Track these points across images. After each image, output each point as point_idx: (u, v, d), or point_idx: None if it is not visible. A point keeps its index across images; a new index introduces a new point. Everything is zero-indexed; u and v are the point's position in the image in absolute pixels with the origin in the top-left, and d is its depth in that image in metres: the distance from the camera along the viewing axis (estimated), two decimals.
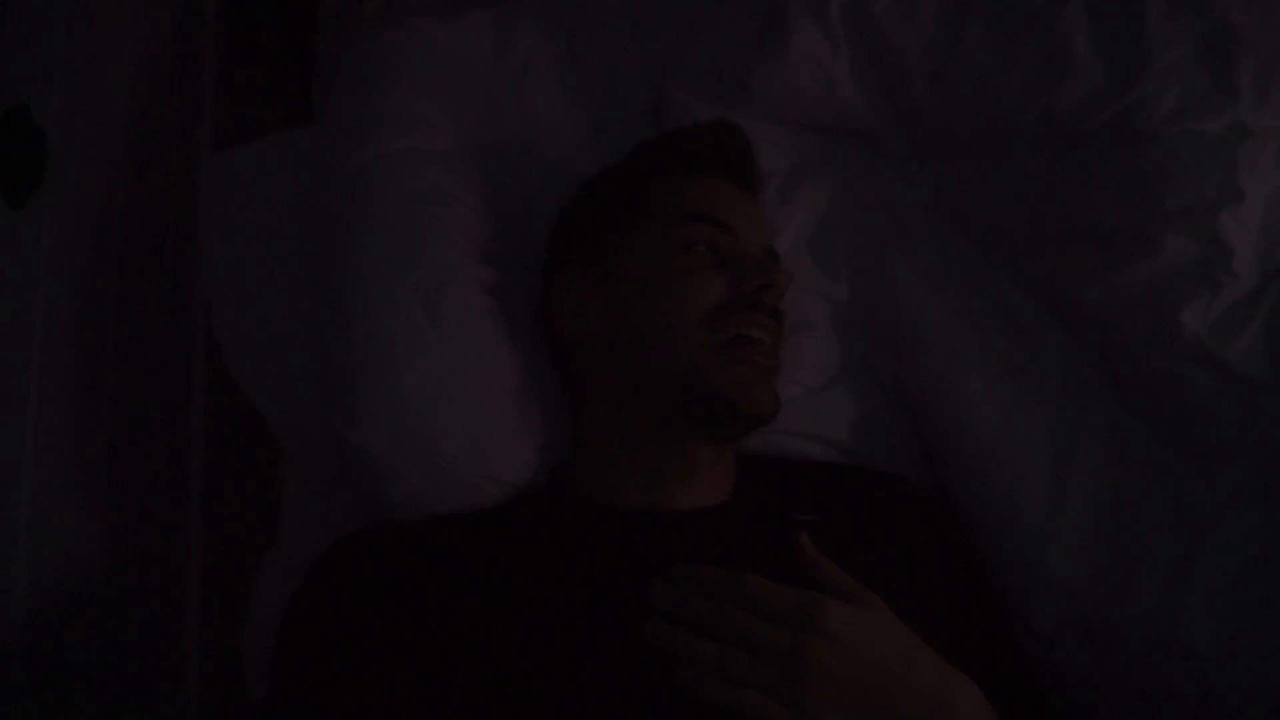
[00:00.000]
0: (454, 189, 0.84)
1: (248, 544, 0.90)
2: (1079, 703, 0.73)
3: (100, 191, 0.86)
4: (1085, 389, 0.81)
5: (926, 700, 0.58)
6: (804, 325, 0.85)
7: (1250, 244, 0.75)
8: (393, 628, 0.63)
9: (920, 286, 0.85)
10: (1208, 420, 0.75)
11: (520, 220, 0.88)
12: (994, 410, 0.79)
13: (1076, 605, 0.73)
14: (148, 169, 0.94)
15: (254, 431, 0.91)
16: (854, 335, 0.87)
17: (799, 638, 0.58)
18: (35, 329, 0.75)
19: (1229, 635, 0.70)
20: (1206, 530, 0.73)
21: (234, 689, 0.86)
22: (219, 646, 0.91)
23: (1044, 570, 0.74)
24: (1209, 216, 0.75)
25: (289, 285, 0.84)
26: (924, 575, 0.71)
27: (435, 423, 0.75)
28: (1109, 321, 0.79)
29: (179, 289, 0.95)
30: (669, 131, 0.85)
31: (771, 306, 0.73)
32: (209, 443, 0.95)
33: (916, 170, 0.91)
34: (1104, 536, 0.75)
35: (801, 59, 0.86)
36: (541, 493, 0.76)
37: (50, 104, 0.78)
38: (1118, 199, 0.78)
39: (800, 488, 0.76)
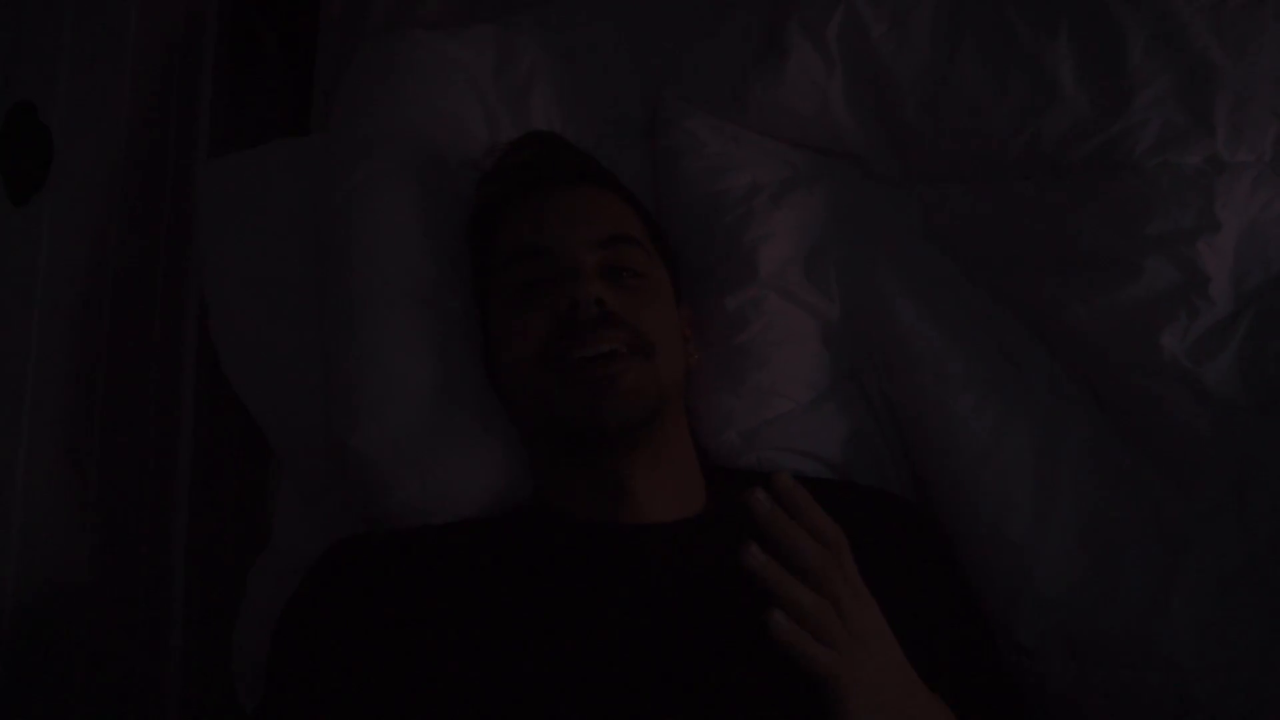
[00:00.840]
0: (456, 202, 0.85)
1: (234, 552, 0.90)
2: (1062, 713, 0.75)
3: (101, 192, 0.86)
4: (1069, 408, 0.83)
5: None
6: (795, 341, 0.87)
7: (1225, 271, 0.78)
8: (387, 634, 0.64)
9: (909, 305, 0.87)
10: (1186, 439, 0.77)
11: None
12: (980, 427, 0.81)
13: (1060, 617, 0.75)
14: (148, 172, 0.94)
15: (243, 438, 0.91)
16: (844, 352, 0.88)
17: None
18: (33, 325, 0.74)
19: (1208, 647, 0.71)
20: (1185, 545, 0.75)
21: (216, 698, 0.85)
22: (203, 654, 0.90)
23: (1028, 583, 0.76)
24: (1187, 244, 0.77)
25: (286, 292, 0.85)
26: (910, 588, 0.71)
27: (434, 431, 0.75)
28: (1091, 343, 0.81)
29: (173, 293, 0.95)
30: (493, 159, 0.84)
31: (587, 319, 0.69)
32: (198, 449, 0.95)
33: (906, 193, 0.94)
34: (1087, 551, 0.77)
35: (798, 77, 0.88)
36: (525, 504, 0.77)
37: (55, 102, 0.78)
38: (1100, 225, 0.80)
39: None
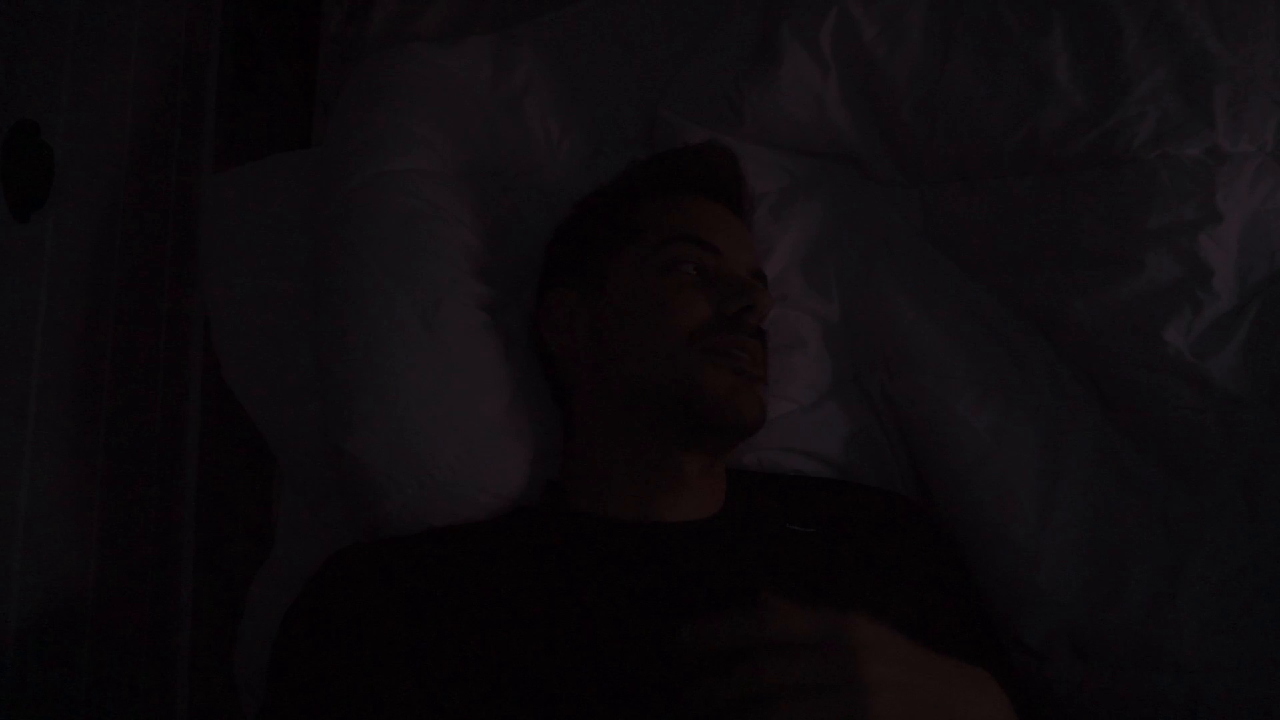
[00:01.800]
0: (451, 207, 0.85)
1: (238, 561, 0.90)
2: (1070, 714, 0.74)
3: (103, 207, 0.87)
4: (1072, 406, 0.82)
5: (968, 694, 0.52)
6: (796, 343, 0.87)
7: (1229, 263, 0.77)
8: (388, 643, 0.63)
9: (910, 306, 0.87)
10: (1190, 435, 0.76)
11: (516, 239, 0.89)
12: (982, 426, 0.80)
13: (1065, 618, 0.74)
14: (151, 188, 0.95)
15: (246, 449, 0.91)
16: (845, 354, 0.88)
17: (847, 659, 0.49)
18: (36, 339, 0.75)
19: (1216, 647, 0.70)
20: (1191, 544, 0.74)
21: (223, 704, 0.85)
22: (209, 662, 0.90)
23: (1033, 584, 0.75)
24: (1188, 237, 0.77)
25: (288, 301, 0.85)
26: (915, 586, 0.71)
27: (431, 434, 0.75)
28: (1094, 339, 0.80)
29: (178, 306, 0.96)
30: (660, 153, 0.87)
31: (754, 327, 0.74)
32: (202, 459, 0.95)
33: (904, 195, 0.93)
34: (1091, 551, 0.76)
35: (793, 83, 0.88)
36: (536, 506, 0.77)
37: (58, 121, 0.79)
38: (1100, 221, 0.80)
39: (792, 502, 0.77)
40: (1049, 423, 0.81)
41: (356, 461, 0.74)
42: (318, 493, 0.83)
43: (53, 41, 0.81)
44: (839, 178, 0.95)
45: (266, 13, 1.25)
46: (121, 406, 0.85)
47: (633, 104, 0.98)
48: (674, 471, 0.72)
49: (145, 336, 0.92)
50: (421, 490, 0.74)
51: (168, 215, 0.98)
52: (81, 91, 0.83)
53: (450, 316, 0.80)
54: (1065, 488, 0.78)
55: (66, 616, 0.78)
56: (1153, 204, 0.78)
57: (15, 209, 0.74)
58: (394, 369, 0.76)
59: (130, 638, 0.85)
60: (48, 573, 0.76)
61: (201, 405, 0.96)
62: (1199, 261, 0.76)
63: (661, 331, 0.72)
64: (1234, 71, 0.80)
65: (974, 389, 0.82)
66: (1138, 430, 0.79)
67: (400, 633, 0.63)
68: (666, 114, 0.93)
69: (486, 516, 0.76)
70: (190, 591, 0.92)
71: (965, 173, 0.90)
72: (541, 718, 0.59)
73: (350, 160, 0.86)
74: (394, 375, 0.76)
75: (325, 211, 0.83)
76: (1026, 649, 0.74)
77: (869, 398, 0.87)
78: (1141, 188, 0.79)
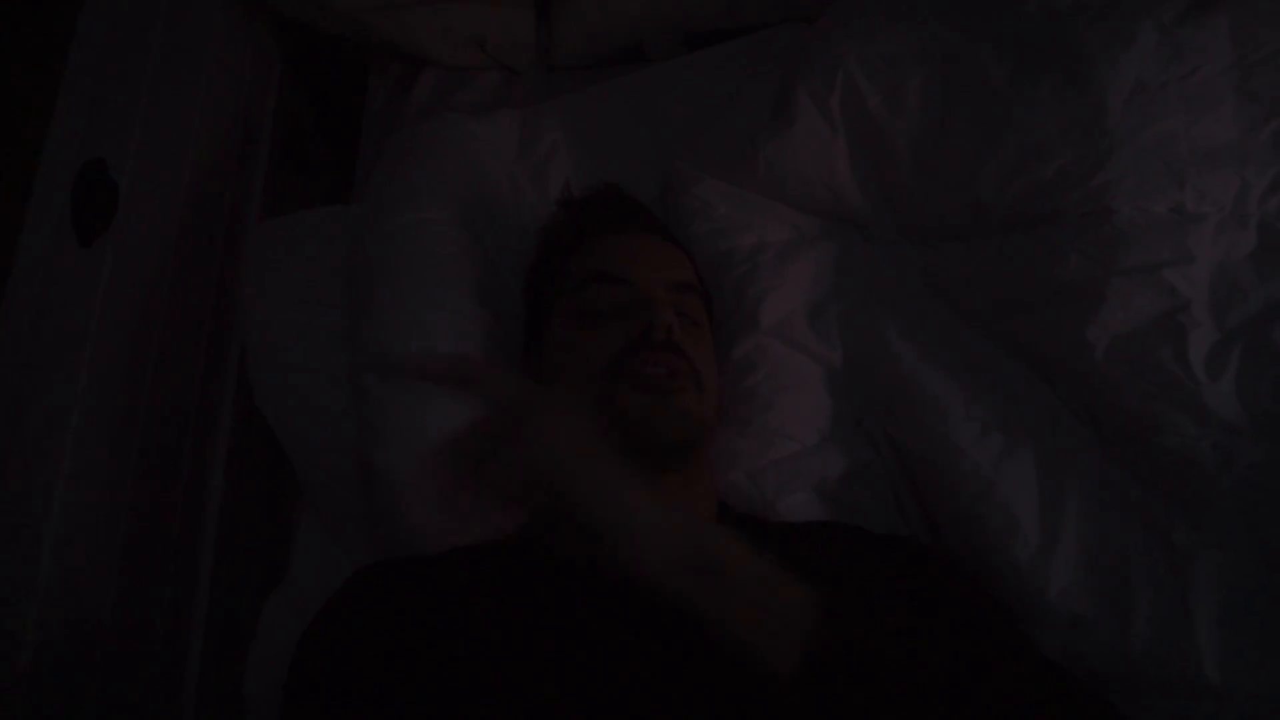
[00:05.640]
0: (475, 254, 0.93)
1: (253, 584, 0.91)
2: None
3: (157, 242, 0.94)
4: (1070, 440, 0.84)
5: None
6: (800, 386, 0.90)
7: (1203, 299, 0.82)
8: (409, 662, 0.63)
9: (910, 350, 0.90)
10: (1188, 463, 0.78)
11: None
12: (984, 458, 0.83)
13: (1079, 645, 0.74)
14: (200, 231, 1.03)
15: (269, 477, 0.94)
16: (849, 398, 0.91)
17: None
18: (86, 353, 0.80)
19: (1236, 669, 0.70)
20: (1197, 572, 0.75)
21: None
22: (217, 683, 0.90)
23: (1044, 611, 0.76)
24: (1166, 271, 0.82)
25: (319, 334, 0.91)
26: (928, 625, 0.70)
27: None
28: (1088, 371, 0.83)
29: (215, 337, 1.02)
30: (561, 206, 0.92)
31: (662, 341, 0.75)
32: (227, 486, 0.98)
33: (904, 253, 0.99)
34: (1099, 577, 0.77)
35: (805, 141, 0.95)
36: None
37: (126, 162, 0.87)
38: (1084, 259, 0.84)
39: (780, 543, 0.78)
40: (1049, 456, 0.83)
41: (383, 473, 0.78)
42: (338, 516, 0.86)
43: (129, 94, 0.90)
44: (842, 237, 1.01)
45: (313, 95, 1.37)
46: (155, 428, 0.89)
47: (650, 169, 1.06)
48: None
49: (183, 362, 0.97)
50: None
51: (214, 257, 1.05)
52: (149, 139, 0.91)
53: (476, 345, 0.85)
54: (1069, 516, 0.79)
55: (82, 640, 0.78)
56: (1132, 245, 0.83)
57: (80, 233, 0.80)
58: (425, 386, 0.80)
59: (141, 659, 0.86)
60: (70, 589, 0.77)
61: (230, 432, 1.00)
62: (1177, 292, 0.81)
63: (585, 372, 0.76)
64: (1202, 143, 0.87)
65: (974, 425, 0.85)
66: (1135, 460, 0.81)
67: (422, 652, 0.63)
68: (680, 165, 1.00)
69: (502, 535, 0.78)
70: (204, 613, 0.92)
71: (960, 229, 0.95)
72: None
73: (389, 207, 0.94)
74: (424, 392, 0.79)
75: (364, 247, 0.91)
76: None
77: (872, 441, 0.90)
78: (1121, 231, 0.84)
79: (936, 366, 0.89)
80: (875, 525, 0.84)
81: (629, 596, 0.66)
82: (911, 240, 0.99)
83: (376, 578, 0.70)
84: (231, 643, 0.89)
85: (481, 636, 0.64)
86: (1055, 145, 0.88)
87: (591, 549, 0.56)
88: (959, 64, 0.93)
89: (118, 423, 0.84)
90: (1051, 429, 0.86)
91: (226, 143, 1.12)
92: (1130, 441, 0.82)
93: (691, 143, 1.03)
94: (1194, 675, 0.70)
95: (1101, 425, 0.84)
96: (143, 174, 0.89)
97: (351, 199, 1.23)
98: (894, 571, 0.75)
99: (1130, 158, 0.87)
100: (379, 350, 0.82)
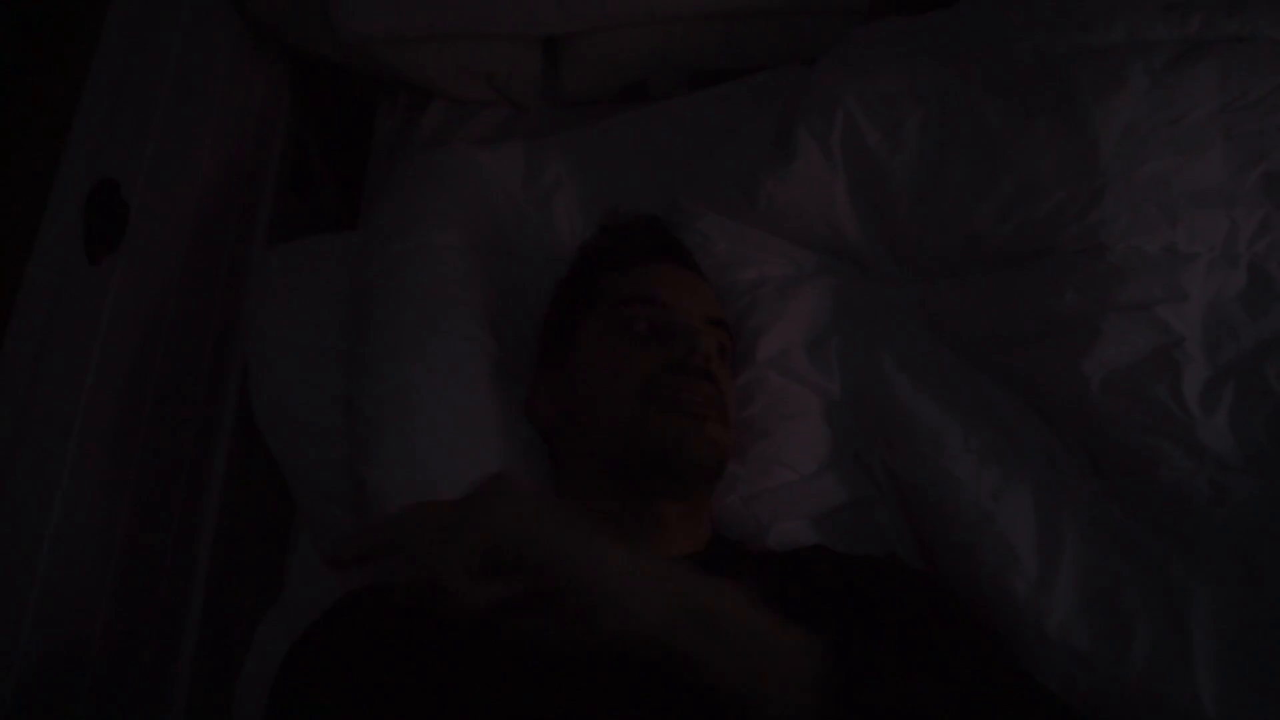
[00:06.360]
0: (477, 277, 0.94)
1: (247, 606, 0.91)
2: None
3: (165, 262, 0.95)
4: (1066, 474, 0.85)
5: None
6: (798, 416, 0.91)
7: (1196, 336, 0.83)
8: (391, 687, 0.63)
9: (907, 383, 0.91)
10: (1183, 498, 0.79)
11: (530, 309, 0.96)
12: (981, 491, 0.83)
13: (1076, 678, 0.74)
14: (206, 254, 1.04)
15: (265, 496, 0.94)
16: (847, 429, 0.92)
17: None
18: (91, 366, 0.81)
19: (1234, 704, 0.70)
20: (1195, 606, 0.75)
21: None
22: (210, 702, 0.89)
23: (1042, 643, 0.75)
24: (1159, 308, 0.83)
25: (320, 355, 0.92)
26: (924, 650, 0.70)
27: (447, 474, 0.79)
28: (1084, 404, 0.84)
29: (216, 358, 1.03)
30: (604, 229, 0.94)
31: (698, 368, 0.77)
32: (223, 504, 0.98)
33: (902, 289, 1.00)
34: (1098, 612, 0.76)
35: (805, 176, 0.97)
36: None
37: (137, 184, 0.89)
38: (1080, 294, 0.86)
39: (778, 569, 0.78)
40: (1045, 489, 0.83)
41: (376, 494, 0.78)
42: (333, 534, 0.86)
43: (142, 118, 0.92)
44: (840, 271, 1.02)
45: (320, 124, 1.39)
46: (155, 443, 0.90)
47: (652, 201, 1.07)
48: (653, 520, 0.75)
49: (186, 381, 0.97)
50: None
51: (218, 279, 1.06)
52: (160, 163, 0.93)
53: (475, 368, 0.86)
54: (1067, 548, 0.79)
55: (75, 650, 0.78)
56: (1127, 282, 0.85)
57: (90, 251, 0.81)
58: (419, 409, 0.81)
59: (133, 676, 0.85)
60: (63, 605, 0.77)
61: (230, 451, 1.00)
62: (1171, 330, 0.82)
63: (616, 389, 0.77)
64: (1192, 185, 0.89)
65: (971, 457, 0.85)
66: (1131, 494, 0.82)
67: (404, 677, 0.64)
68: (681, 200, 1.02)
69: None
70: (198, 630, 0.92)
71: (956, 266, 0.97)
72: None
73: (394, 232, 0.95)
74: (419, 415, 0.81)
75: (368, 271, 0.92)
76: None
77: (870, 472, 0.90)
78: (1115, 269, 0.86)
79: (934, 399, 0.90)
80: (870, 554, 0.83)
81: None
82: (909, 275, 1.01)
83: (364, 602, 0.70)
84: (225, 661, 0.88)
85: (466, 666, 0.63)
86: (1050, 184, 0.90)
87: (574, 623, 0.52)
88: (956, 103, 0.95)
89: (119, 438, 0.85)
90: (1048, 462, 0.86)
91: (235, 169, 1.14)
92: (1126, 475, 0.82)
93: (693, 178, 1.05)
94: (1192, 709, 0.70)
95: (1097, 459, 0.85)
96: (152, 196, 0.91)
97: (357, 227, 1.26)
98: (882, 600, 0.74)
99: (1123, 197, 0.89)
100: (376, 384, 0.83)
